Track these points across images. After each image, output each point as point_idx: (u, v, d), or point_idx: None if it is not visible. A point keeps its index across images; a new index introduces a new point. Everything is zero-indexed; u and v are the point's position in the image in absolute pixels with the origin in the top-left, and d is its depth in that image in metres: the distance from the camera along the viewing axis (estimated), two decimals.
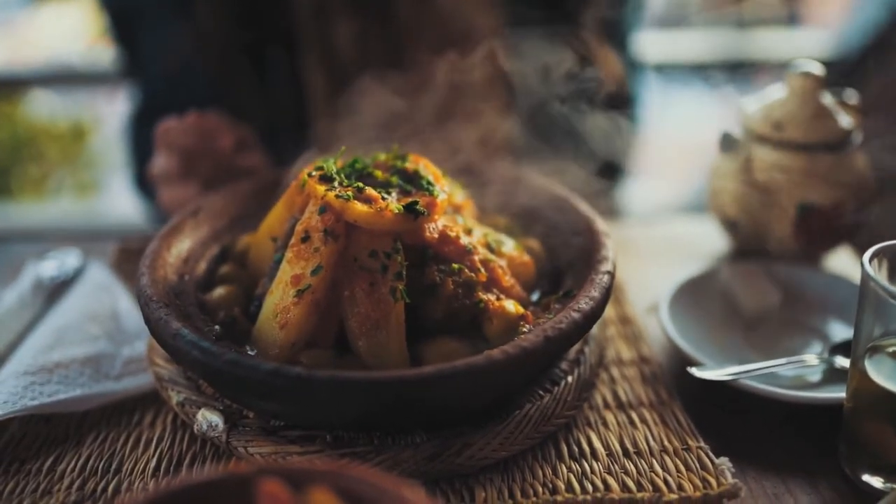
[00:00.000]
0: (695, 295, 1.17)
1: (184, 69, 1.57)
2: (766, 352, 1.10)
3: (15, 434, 0.96)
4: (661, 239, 1.49)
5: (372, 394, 0.78)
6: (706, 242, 1.44)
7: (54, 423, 0.98)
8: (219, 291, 1.00)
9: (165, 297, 0.92)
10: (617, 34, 1.88)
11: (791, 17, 4.46)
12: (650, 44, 2.26)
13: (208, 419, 0.90)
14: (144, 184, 1.75)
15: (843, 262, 1.36)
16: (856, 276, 1.25)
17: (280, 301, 0.90)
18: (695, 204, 3.02)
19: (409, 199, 0.93)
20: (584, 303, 0.90)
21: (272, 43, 1.59)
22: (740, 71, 4.14)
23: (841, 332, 1.13)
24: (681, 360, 1.09)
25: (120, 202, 3.74)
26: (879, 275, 0.84)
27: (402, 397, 0.79)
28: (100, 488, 0.87)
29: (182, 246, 1.06)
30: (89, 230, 3.40)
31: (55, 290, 1.23)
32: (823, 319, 1.16)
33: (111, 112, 4.28)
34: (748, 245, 1.29)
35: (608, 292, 0.94)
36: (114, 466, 0.91)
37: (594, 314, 0.90)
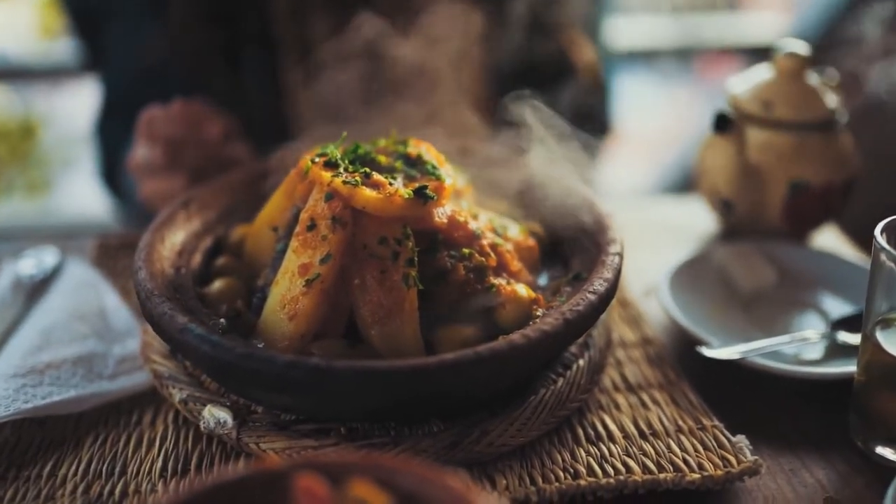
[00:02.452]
0: (691, 276, 1.17)
1: (155, 66, 1.52)
2: (766, 329, 1.10)
3: (8, 439, 0.91)
4: (646, 221, 1.49)
5: (394, 383, 0.76)
6: (693, 223, 1.44)
7: (49, 426, 0.94)
8: (218, 284, 0.96)
9: (166, 291, 0.89)
10: (589, 22, 1.88)
11: (730, 3, 4.52)
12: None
13: (216, 416, 0.87)
14: (113, 179, 1.70)
15: (829, 241, 1.37)
16: (844, 253, 1.27)
17: (287, 291, 0.87)
18: (663, 186, 3.05)
19: (417, 184, 0.90)
20: (598, 284, 0.89)
21: (248, 41, 1.56)
22: (684, 57, 4.20)
23: (835, 307, 1.15)
24: (683, 341, 1.09)
25: (76, 200, 3.64)
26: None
27: (425, 386, 0.77)
28: (106, 491, 0.84)
29: (175, 238, 1.02)
30: (54, 228, 3.29)
31: (35, 289, 1.18)
32: (818, 295, 1.18)
33: (61, 108, 4.17)
34: (741, 225, 1.30)
35: (619, 273, 0.93)
36: (118, 469, 0.87)
37: (609, 296, 0.89)
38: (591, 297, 0.87)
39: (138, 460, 0.88)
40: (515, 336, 0.80)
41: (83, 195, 3.60)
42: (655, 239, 1.41)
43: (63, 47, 3.79)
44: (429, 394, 0.79)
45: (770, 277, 1.18)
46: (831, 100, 1.24)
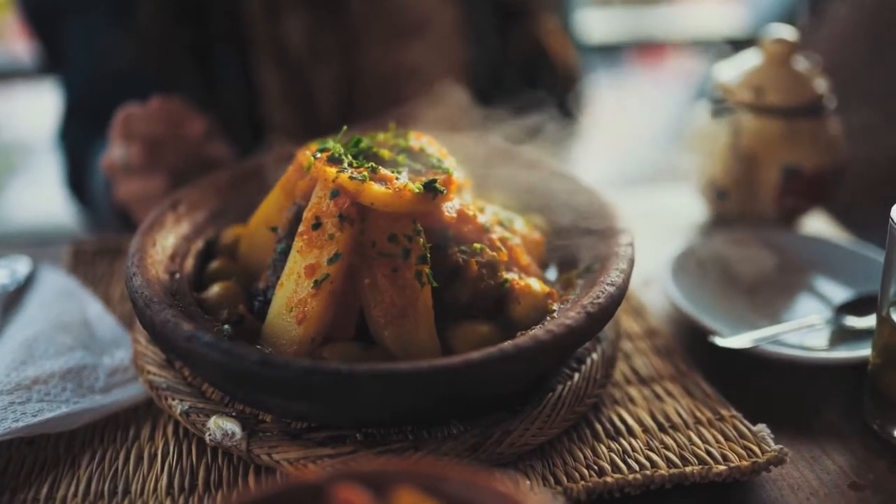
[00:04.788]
0: (690, 265, 1.16)
1: (120, 66, 1.46)
2: (769, 316, 1.10)
3: None
4: (634, 211, 1.46)
5: (419, 385, 0.73)
6: (682, 212, 1.43)
7: (39, 444, 0.88)
8: (216, 289, 0.92)
9: (165, 297, 0.84)
10: (561, 14, 1.87)
11: None
12: None
13: (222, 427, 0.83)
14: (79, 185, 1.63)
15: (818, 225, 1.38)
16: (835, 237, 1.28)
17: (294, 294, 0.83)
18: (626, 177, 3.05)
19: (424, 178, 0.87)
20: (615, 276, 0.87)
21: (219, 40, 1.50)
22: (624, 50, 4.23)
23: (833, 290, 1.15)
24: (687, 330, 1.09)
25: (24, 209, 3.50)
26: None
27: (451, 386, 0.74)
28: None
29: (166, 242, 0.97)
30: (6, 237, 3.16)
31: (10, 300, 1.11)
32: (815, 280, 1.18)
33: (5, 114, 4.04)
34: (733, 212, 1.30)
35: (633, 263, 0.91)
36: (121, 487, 0.82)
37: (625, 286, 0.87)
38: (610, 288, 0.85)
39: (141, 478, 0.83)
40: (539, 332, 0.78)
41: (31, 203, 3.47)
42: (646, 228, 1.38)
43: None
44: (453, 394, 0.76)
45: (768, 264, 1.18)
46: (820, 84, 1.25)
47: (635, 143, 3.31)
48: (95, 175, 1.46)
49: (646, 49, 4.40)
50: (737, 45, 1.74)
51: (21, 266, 1.18)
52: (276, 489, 0.59)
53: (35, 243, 1.34)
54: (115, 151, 1.20)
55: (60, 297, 1.09)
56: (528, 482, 0.81)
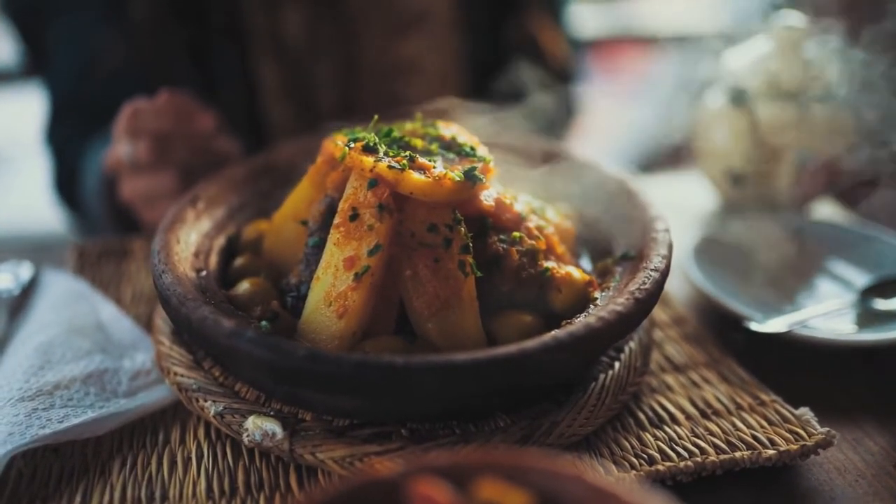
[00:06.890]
0: (711, 252, 1.16)
1: (112, 66, 1.41)
2: (792, 300, 1.10)
3: (22, 470, 0.81)
4: None
5: (475, 377, 0.71)
6: (691, 200, 1.43)
7: (64, 452, 0.84)
8: (245, 286, 0.89)
9: (199, 295, 0.81)
10: (554, 9, 1.86)
11: None
12: None
13: (262, 427, 0.80)
14: (69, 188, 1.57)
15: (830, 210, 1.38)
16: (847, 221, 1.28)
17: (332, 287, 0.81)
18: (632, 170, 3.05)
19: (462, 167, 0.85)
20: (657, 261, 0.86)
21: (218, 37, 1.46)
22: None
23: (852, 275, 1.15)
24: (713, 318, 1.08)
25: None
26: None
27: (506, 377, 0.72)
28: None
29: (189, 239, 0.94)
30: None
31: (15, 305, 1.07)
32: (833, 264, 1.18)
33: None
34: (748, 198, 1.29)
35: (672, 249, 0.90)
36: (158, 493, 0.78)
37: (668, 272, 0.86)
38: (654, 274, 0.83)
39: (177, 483, 0.80)
40: (591, 319, 0.76)
41: (9, 209, 3.38)
42: None
43: None
44: (508, 385, 0.74)
45: (787, 249, 1.18)
46: (833, 70, 1.25)
47: (630, 137, 3.32)
48: (88, 177, 1.41)
49: (626, 44, 4.42)
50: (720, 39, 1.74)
51: (23, 270, 1.14)
52: (349, 487, 0.57)
53: (28, 248, 1.29)
54: (122, 148, 1.16)
55: (70, 300, 1.05)
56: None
